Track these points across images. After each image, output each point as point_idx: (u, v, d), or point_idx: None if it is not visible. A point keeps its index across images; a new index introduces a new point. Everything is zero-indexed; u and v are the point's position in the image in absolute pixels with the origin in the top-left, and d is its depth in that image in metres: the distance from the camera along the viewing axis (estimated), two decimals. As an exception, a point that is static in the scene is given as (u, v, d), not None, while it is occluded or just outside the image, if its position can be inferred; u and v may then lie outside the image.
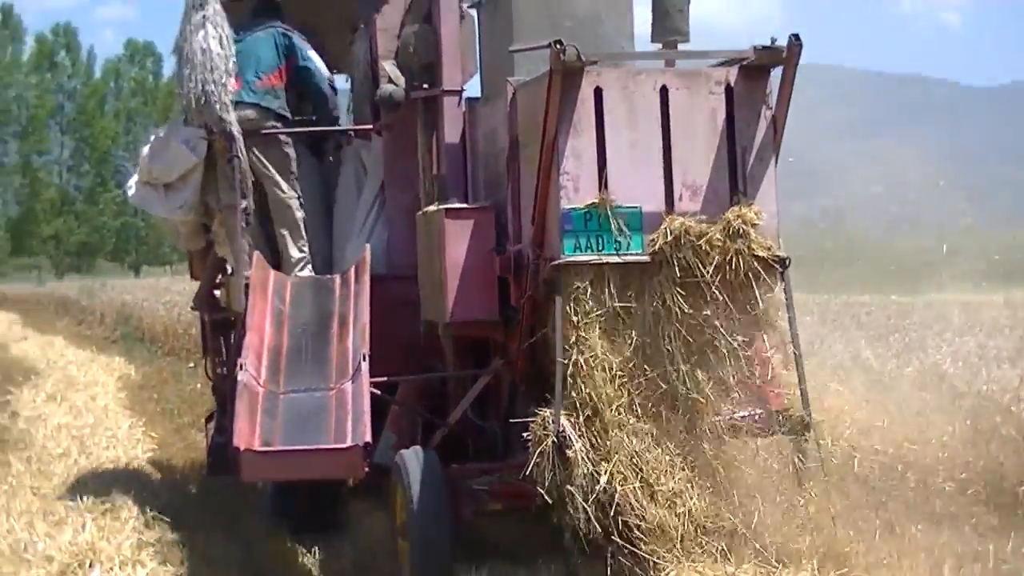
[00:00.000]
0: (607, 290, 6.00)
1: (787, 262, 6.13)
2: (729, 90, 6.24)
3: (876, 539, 5.76)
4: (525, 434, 6.00)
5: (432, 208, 7.08)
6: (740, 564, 5.48)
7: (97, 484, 8.57)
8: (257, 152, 7.88)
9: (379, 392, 7.07)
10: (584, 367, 5.94)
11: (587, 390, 5.92)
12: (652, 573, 5.50)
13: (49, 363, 18.66)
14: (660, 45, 6.92)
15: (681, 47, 6.93)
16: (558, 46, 5.89)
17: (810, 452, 6.03)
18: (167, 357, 19.92)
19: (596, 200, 6.05)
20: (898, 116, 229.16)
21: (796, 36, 6.11)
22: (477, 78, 7.48)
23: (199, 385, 13.70)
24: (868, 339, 10.72)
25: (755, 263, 6.02)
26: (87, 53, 75.16)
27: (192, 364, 15.17)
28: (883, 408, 7.91)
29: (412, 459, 6.57)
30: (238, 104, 7.81)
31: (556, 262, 6.03)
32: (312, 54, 8.22)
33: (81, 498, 8.11)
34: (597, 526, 5.74)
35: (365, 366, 6.79)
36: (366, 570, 7.19)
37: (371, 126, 8.06)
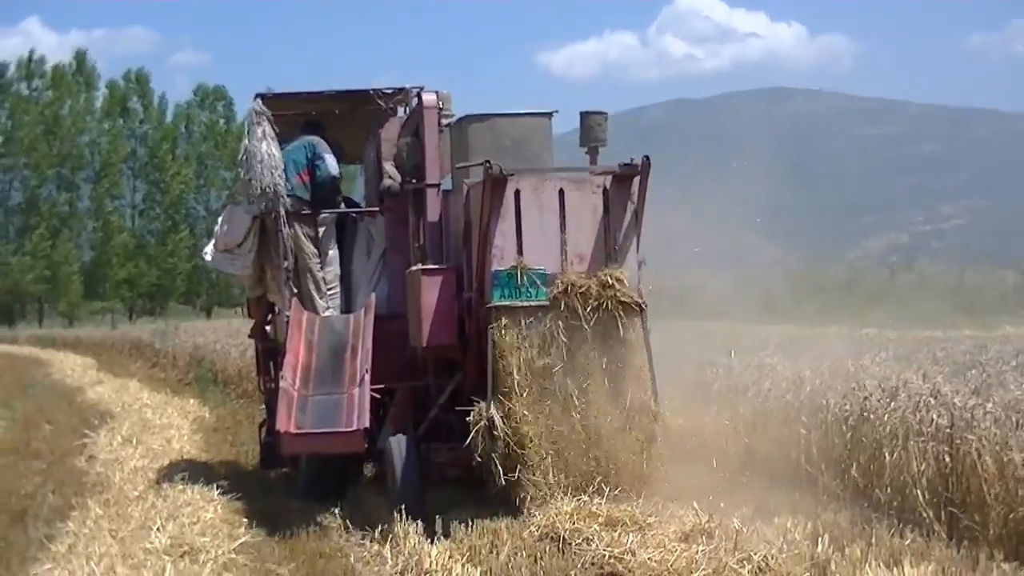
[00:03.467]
0: (521, 324, 9.09)
1: (644, 306, 9.16)
2: (605, 191, 9.33)
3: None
4: (468, 418, 9.08)
5: (416, 268, 10.17)
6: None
7: (175, 526, 8.74)
8: (295, 228, 10.99)
9: (378, 396, 10.16)
10: (505, 375, 9.03)
11: (506, 390, 9.01)
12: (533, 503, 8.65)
13: (124, 406, 18.68)
14: (587, 149, 10.06)
15: (601, 150, 10.07)
16: (487, 164, 9.01)
17: (659, 435, 9.09)
18: (240, 399, 19.89)
19: (515, 264, 9.16)
20: (974, 150, 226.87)
21: (647, 157, 9.19)
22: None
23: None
24: (945, 376, 10.67)
25: (619, 306, 9.09)
26: (159, 99, 76.24)
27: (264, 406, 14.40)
28: None
29: (395, 443, 9.65)
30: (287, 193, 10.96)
31: (489, 305, 9.13)
32: (327, 156, 11.16)
33: (159, 541, 8.30)
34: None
35: (367, 377, 9.88)
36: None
37: (377, 208, 11.20)
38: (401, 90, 11.11)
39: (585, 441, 8.97)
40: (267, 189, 10.73)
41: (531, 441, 8.93)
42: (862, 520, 8.50)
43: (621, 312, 9.12)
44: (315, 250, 11.02)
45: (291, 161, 11.08)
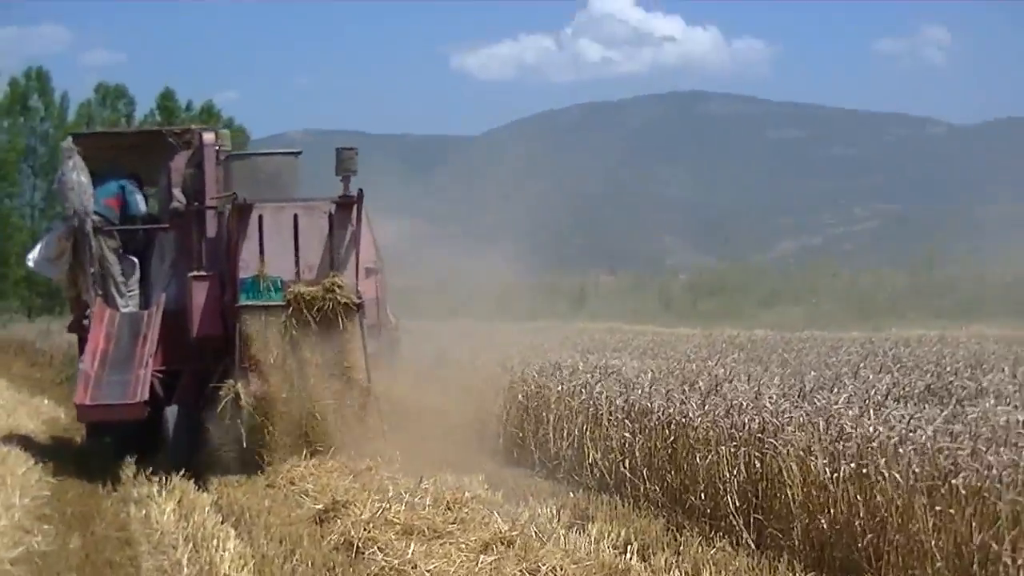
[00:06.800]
0: (263, 320, 11.69)
1: (361, 306, 11.78)
2: (331, 216, 11.95)
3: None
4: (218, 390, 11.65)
5: (191, 274, 12.71)
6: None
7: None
8: (100, 240, 13.46)
9: (161, 376, 12.65)
10: (253, 359, 11.63)
11: (254, 372, 11.60)
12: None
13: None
14: (341, 177, 12.63)
15: (353, 179, 12.64)
16: (234, 195, 11.61)
17: (372, 405, 11.72)
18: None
19: (258, 272, 11.74)
20: (885, 153, 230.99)
21: (360, 190, 11.81)
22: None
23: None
24: (784, 376, 11.01)
25: (340, 306, 11.70)
26: (61, 97, 73.82)
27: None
28: None
29: (169, 413, 12.20)
30: (94, 212, 13.45)
31: (238, 304, 11.72)
32: (137, 196, 13.81)
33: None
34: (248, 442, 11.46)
35: (151, 362, 12.39)
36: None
37: (167, 225, 13.71)
38: (188, 130, 13.67)
39: (309, 409, 11.57)
40: (77, 210, 13.20)
41: (266, 410, 11.53)
42: (675, 528, 8.69)
43: (341, 310, 11.74)
44: (116, 258, 13.50)
45: (104, 188, 13.58)
